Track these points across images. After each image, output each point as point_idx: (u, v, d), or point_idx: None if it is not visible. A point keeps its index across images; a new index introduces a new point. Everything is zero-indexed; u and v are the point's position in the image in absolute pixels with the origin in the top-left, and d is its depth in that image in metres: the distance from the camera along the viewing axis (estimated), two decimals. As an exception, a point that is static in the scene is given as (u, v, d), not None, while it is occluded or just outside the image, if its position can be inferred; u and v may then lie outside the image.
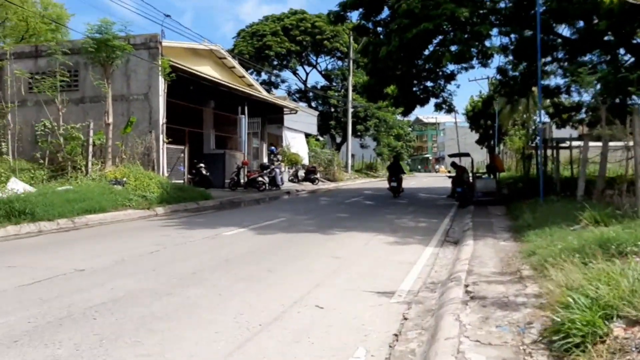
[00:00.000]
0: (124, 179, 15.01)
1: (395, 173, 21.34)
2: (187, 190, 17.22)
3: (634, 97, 12.37)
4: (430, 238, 9.74)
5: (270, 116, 31.18)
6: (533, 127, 47.44)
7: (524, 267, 6.15)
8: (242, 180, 22.99)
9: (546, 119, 52.24)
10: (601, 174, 10.70)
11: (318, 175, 31.52)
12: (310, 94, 48.96)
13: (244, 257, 7.58)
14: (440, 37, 14.95)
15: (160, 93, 18.35)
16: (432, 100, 22.74)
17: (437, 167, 47.25)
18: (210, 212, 14.97)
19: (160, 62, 17.81)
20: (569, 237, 7.04)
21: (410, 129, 79.16)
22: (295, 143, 33.83)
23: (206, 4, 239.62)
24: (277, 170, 24.18)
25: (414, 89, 21.37)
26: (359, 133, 47.69)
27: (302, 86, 49.20)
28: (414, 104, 22.65)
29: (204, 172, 22.53)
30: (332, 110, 47.24)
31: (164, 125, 18.34)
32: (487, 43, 14.33)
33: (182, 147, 20.01)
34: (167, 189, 15.98)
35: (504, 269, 6.23)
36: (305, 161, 34.77)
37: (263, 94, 28.58)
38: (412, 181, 42.16)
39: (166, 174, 18.41)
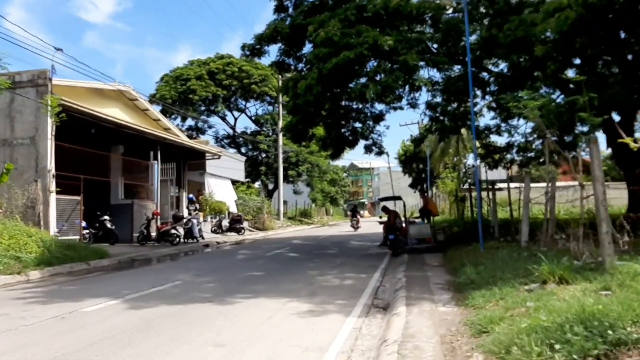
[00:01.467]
0: (-9, 238, 12.29)
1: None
2: (78, 249, 14.55)
3: (578, 127, 11.39)
4: (354, 302, 7.79)
5: (190, 162, 28.87)
6: (464, 170, 47.69)
7: (477, 356, 4.27)
8: (152, 234, 20.39)
9: (477, 160, 52.65)
10: (551, 217, 9.23)
11: (245, 225, 29.21)
12: (240, 139, 46.99)
13: (87, 351, 5.31)
14: (363, 69, 13.53)
15: (49, 136, 15.83)
16: (362, 142, 21.53)
17: (360, 214, 45.50)
18: (99, 274, 12.42)
19: (49, 101, 15.34)
20: (529, 303, 5.29)
21: (345, 174, 78.52)
22: (220, 190, 31.48)
23: (137, 55, 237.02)
24: (195, 221, 21.79)
25: (342, 130, 19.98)
26: (291, 179, 45.91)
27: (231, 131, 47.20)
28: (343, 145, 21.24)
29: (108, 225, 19.83)
30: (264, 155, 45.39)
31: (53, 173, 15.73)
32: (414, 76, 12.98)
33: (78, 197, 17.33)
34: (51, 247, 13.35)
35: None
36: (233, 209, 32.43)
37: (182, 138, 26.35)
38: (345, 227, 40.55)
39: (55, 230, 15.68)
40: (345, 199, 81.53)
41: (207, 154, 28.99)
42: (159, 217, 21.12)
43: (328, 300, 7.95)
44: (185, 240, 21.27)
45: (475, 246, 12.33)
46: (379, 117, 20.42)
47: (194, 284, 9.96)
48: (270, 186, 46.52)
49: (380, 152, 21.83)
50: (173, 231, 20.21)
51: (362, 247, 19.25)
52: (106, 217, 19.90)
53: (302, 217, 49.48)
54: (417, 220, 16.76)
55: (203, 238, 22.68)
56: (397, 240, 14.91)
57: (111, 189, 22.90)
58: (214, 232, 27.48)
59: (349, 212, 79.83)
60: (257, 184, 46.34)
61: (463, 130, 43.52)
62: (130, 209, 21.66)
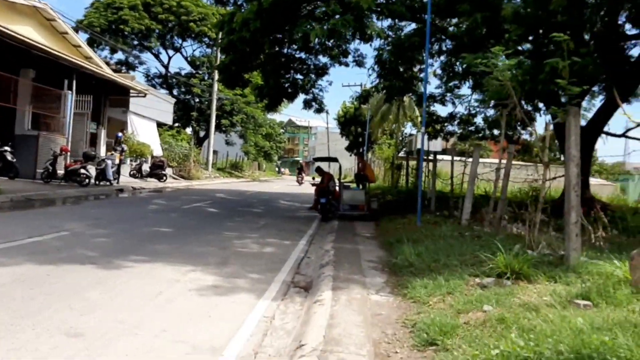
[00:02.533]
0: None
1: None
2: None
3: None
4: (271, 277, 6.49)
5: (112, 97, 26.23)
6: (401, 138, 47.19)
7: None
8: (60, 172, 18.15)
9: (414, 131, 52.71)
10: (502, 197, 8.24)
11: (167, 172, 27.16)
12: (173, 80, 43.93)
13: None
14: (308, 8, 11.92)
15: None
16: (301, 97, 20.09)
17: (304, 172, 44.85)
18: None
19: None
20: (486, 307, 4.17)
21: (282, 130, 76.48)
22: (144, 132, 29.06)
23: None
24: (109, 162, 19.62)
25: (282, 80, 18.36)
26: (224, 128, 43.63)
27: (164, 71, 44.00)
28: (280, 97, 19.69)
29: (9, 157, 17.38)
30: (197, 100, 42.74)
31: None
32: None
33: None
34: None
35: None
36: (158, 154, 30.15)
37: (104, 70, 23.66)
38: (276, 184, 39.32)
39: None
40: (280, 156, 79.82)
41: (131, 91, 26.40)
42: (68, 153, 18.83)
43: (240, 273, 6.60)
44: (97, 182, 19.17)
45: (412, 219, 11.36)
46: (322, 71, 18.96)
47: (83, 237, 8.30)
48: (202, 134, 44.08)
49: (320, 109, 20.48)
50: (82, 171, 18.03)
51: (290, 208, 17.99)
52: (7, 148, 17.42)
53: (232, 169, 47.57)
54: (351, 185, 15.61)
55: (118, 182, 20.61)
56: (328, 205, 13.72)
57: (17, 118, 20.16)
58: (133, 176, 25.32)
59: (282, 170, 78.43)
60: (189, 130, 43.74)
61: (405, 98, 42.89)
62: (36, 142, 19.15)
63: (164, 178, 25.84)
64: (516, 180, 9.93)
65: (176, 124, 40.47)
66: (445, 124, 22.62)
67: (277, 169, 74.40)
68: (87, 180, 18.06)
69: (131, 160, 26.53)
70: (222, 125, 42.77)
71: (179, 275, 6.18)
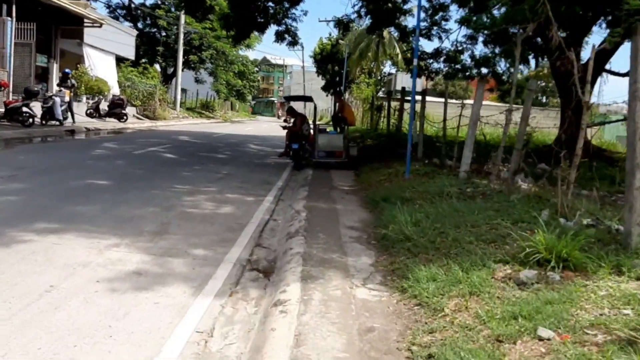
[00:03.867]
0: None
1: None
2: None
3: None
4: (222, 255, 4.85)
5: (64, 27, 23.51)
6: (379, 77, 45.01)
7: None
8: (-2, 110, 15.95)
9: (393, 70, 50.39)
10: (518, 146, 6.60)
11: (128, 111, 24.85)
12: (138, 12, 40.47)
13: None
14: None
15: None
16: (273, 28, 17.98)
17: (280, 112, 42.86)
18: None
19: None
20: (542, 332, 2.59)
21: (256, 69, 73.12)
22: (103, 67, 26.42)
23: None
24: (57, 99, 17.36)
25: (251, 6, 16.18)
26: (192, 65, 40.81)
27: (127, 1, 40.42)
28: (249, 28, 17.54)
29: None
30: (163, 34, 39.62)
31: None
32: None
33: None
34: None
35: None
36: (116, 91, 27.67)
37: (50, -7, 20.87)
38: (249, 126, 37.27)
39: None
40: (254, 95, 76.85)
41: (85, 20, 23.66)
42: (7, 89, 16.55)
43: (179, 248, 4.93)
44: (44, 122, 17.00)
45: (398, 169, 9.74)
46: (296, -3, 16.83)
47: (-13, 195, 6.48)
48: (170, 71, 41.18)
49: (294, 42, 18.39)
50: (25, 109, 15.83)
51: (259, 153, 16.21)
52: None
53: (203, 109, 45.05)
54: (327, 128, 13.83)
55: (73, 122, 18.41)
56: (301, 151, 12.01)
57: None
58: (89, 115, 22.99)
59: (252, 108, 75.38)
60: (158, 67, 40.66)
61: (385, 34, 40.45)
62: (-33, 76, 16.80)
63: (125, 118, 23.60)
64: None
65: (142, 60, 37.49)
66: (430, 61, 20.84)
67: (250, 109, 71.75)
68: (30, 120, 15.90)
69: (87, 98, 24.12)
70: (190, 62, 39.96)
71: (92, 255, 4.49)
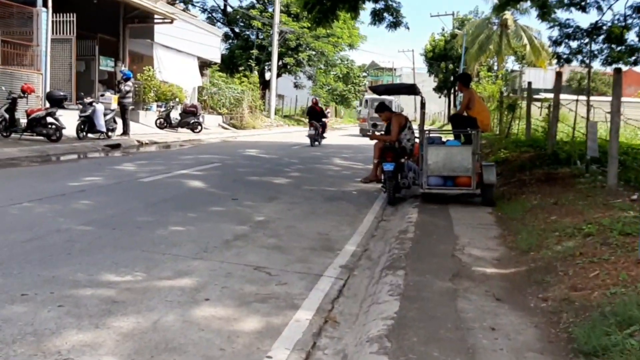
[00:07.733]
0: None
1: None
2: None
3: None
4: None
5: (132, 25, 20.63)
6: (501, 73, 38.21)
7: None
8: (20, 120, 12.80)
9: (516, 66, 43.25)
10: None
11: (212, 120, 21.38)
12: (237, 16, 37.57)
13: None
14: None
15: None
16: (369, 6, 13.56)
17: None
18: None
19: None
20: None
21: (364, 73, 68.51)
22: (178, 70, 23.26)
23: None
24: (99, 107, 13.98)
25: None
26: (289, 68, 37.19)
27: (222, 4, 37.77)
28: (334, 5, 13.06)
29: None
30: (261, 37, 36.34)
31: None
32: None
33: None
34: None
35: None
36: (193, 97, 24.51)
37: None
38: (346, 133, 32.46)
39: None
40: (361, 100, 72.37)
41: (156, 16, 20.59)
42: (34, 95, 13.45)
43: None
44: (81, 134, 13.67)
45: (590, 219, 4.49)
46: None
47: None
48: (268, 76, 37.81)
49: (397, 23, 13.55)
50: (49, 119, 12.55)
51: (340, 173, 11.50)
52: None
53: (303, 116, 41.27)
54: (444, 137, 8.48)
55: (116, 132, 15.01)
56: (400, 174, 7.14)
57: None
58: (159, 126, 19.83)
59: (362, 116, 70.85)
60: (255, 73, 37.40)
61: (510, 20, 33.71)
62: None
63: (199, 128, 20.13)
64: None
65: (240, 67, 34.23)
66: (586, 40, 15.02)
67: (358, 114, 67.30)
68: (57, 133, 12.57)
69: (158, 106, 21.01)
70: (286, 65, 36.36)
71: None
